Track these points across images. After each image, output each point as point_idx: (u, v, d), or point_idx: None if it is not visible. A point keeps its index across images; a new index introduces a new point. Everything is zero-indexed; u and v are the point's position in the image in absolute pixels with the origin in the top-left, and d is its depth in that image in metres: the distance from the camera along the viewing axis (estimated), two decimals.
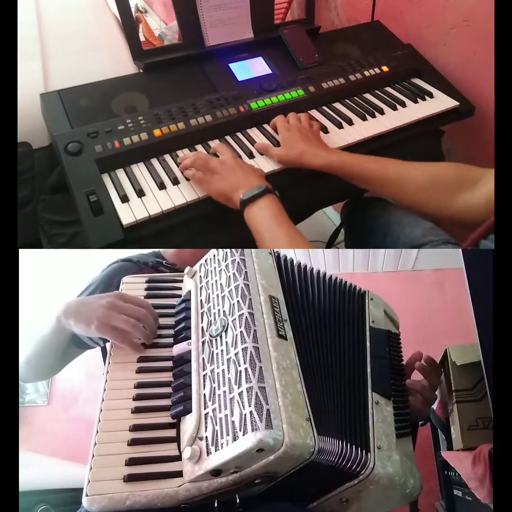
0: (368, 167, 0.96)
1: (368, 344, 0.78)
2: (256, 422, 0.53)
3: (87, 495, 0.55)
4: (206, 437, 0.57)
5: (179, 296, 0.82)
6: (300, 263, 0.82)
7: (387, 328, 0.84)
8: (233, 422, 0.55)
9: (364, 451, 0.61)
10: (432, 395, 0.79)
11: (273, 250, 0.80)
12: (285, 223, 0.84)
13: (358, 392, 0.70)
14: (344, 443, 0.60)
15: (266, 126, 1.09)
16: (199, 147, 1.01)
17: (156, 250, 1.04)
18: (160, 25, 3.49)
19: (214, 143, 1.03)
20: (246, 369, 0.57)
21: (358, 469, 0.60)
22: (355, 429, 0.64)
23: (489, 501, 0.97)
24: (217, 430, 0.56)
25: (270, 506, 0.61)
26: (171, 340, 0.74)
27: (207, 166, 0.91)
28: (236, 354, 0.60)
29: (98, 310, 0.69)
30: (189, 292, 0.79)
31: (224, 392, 0.58)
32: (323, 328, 0.75)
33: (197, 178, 0.92)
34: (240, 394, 0.56)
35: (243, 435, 0.53)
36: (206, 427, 0.58)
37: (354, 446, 0.61)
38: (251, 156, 1.01)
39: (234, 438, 0.54)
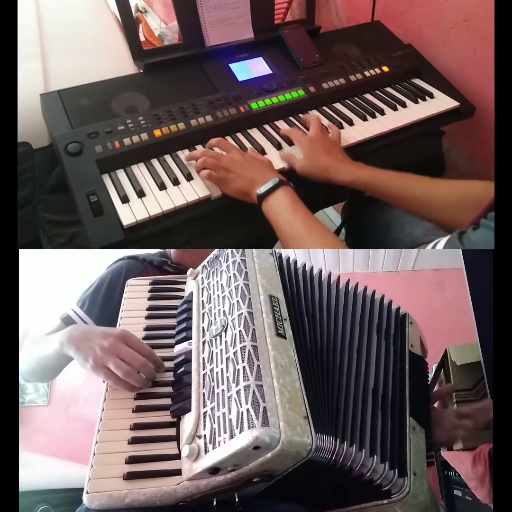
0: (395, 185, 0.95)
1: (407, 367, 0.77)
2: (252, 420, 0.53)
3: (87, 493, 0.56)
4: (205, 435, 0.58)
5: (182, 297, 0.83)
6: (305, 265, 0.82)
7: (424, 357, 0.84)
8: (230, 420, 0.55)
9: (398, 472, 0.61)
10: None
11: (274, 251, 0.80)
12: (302, 211, 0.85)
13: (394, 412, 0.69)
14: (376, 457, 0.60)
15: (266, 126, 1.09)
16: (200, 148, 1.01)
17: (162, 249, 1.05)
18: (160, 25, 3.49)
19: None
20: (244, 367, 0.58)
21: (391, 490, 0.60)
22: (391, 449, 0.63)
23: (489, 501, 0.97)
24: (215, 428, 0.57)
25: (276, 506, 0.62)
26: (172, 340, 0.75)
27: (219, 164, 0.92)
28: (234, 353, 0.60)
29: (97, 349, 0.67)
30: (191, 293, 0.80)
31: (223, 390, 0.59)
32: (332, 329, 0.74)
33: (214, 178, 0.93)
34: (238, 392, 0.56)
35: (240, 433, 0.53)
36: (204, 426, 0.59)
37: (392, 467, 0.60)
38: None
39: (231, 436, 0.54)
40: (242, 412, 0.54)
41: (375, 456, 0.60)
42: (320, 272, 0.83)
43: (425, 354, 0.87)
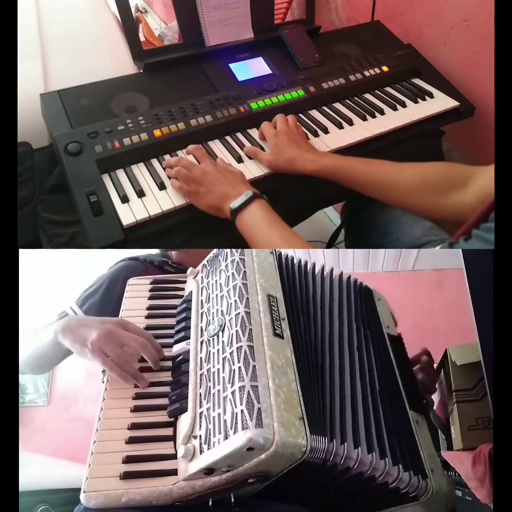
0: (359, 171, 0.95)
1: (391, 354, 0.77)
2: (246, 421, 0.53)
3: (84, 492, 0.56)
4: (200, 435, 0.58)
5: (182, 296, 0.83)
6: (300, 260, 0.82)
7: (397, 332, 0.84)
8: (225, 420, 0.55)
9: (421, 477, 0.62)
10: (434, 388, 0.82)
11: (274, 250, 0.80)
12: (277, 225, 0.83)
13: (397, 409, 0.69)
14: (388, 460, 0.61)
15: None
16: None
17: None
18: (160, 25, 3.49)
19: (213, 144, 1.03)
20: (239, 367, 0.58)
21: (418, 494, 0.62)
22: (409, 455, 0.64)
23: (489, 501, 0.96)
24: (210, 429, 0.57)
25: (277, 507, 0.62)
26: (171, 340, 0.75)
27: (190, 177, 0.90)
28: (231, 353, 0.61)
29: (95, 336, 0.67)
30: (191, 292, 0.80)
31: (218, 390, 0.59)
32: (327, 328, 0.74)
33: (185, 191, 0.90)
34: (233, 392, 0.56)
35: (234, 433, 0.53)
36: (200, 426, 0.59)
37: (410, 471, 0.61)
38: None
39: (226, 437, 0.54)
40: (236, 413, 0.54)
41: (400, 465, 0.61)
42: (314, 266, 0.83)
43: (396, 323, 0.87)
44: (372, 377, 0.71)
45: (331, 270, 0.84)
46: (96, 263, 1.03)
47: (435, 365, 1.34)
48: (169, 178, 0.94)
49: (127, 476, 0.57)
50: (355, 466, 0.59)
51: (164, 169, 0.96)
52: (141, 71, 1.12)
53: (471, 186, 0.86)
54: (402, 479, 0.61)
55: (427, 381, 0.80)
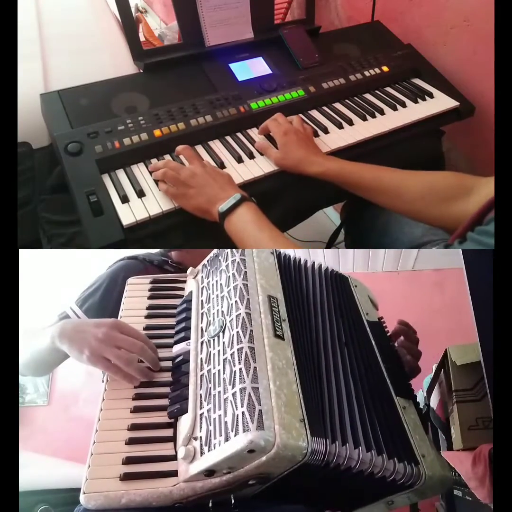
0: (365, 176, 0.95)
1: (373, 342, 0.77)
2: (247, 423, 0.53)
3: (84, 493, 0.56)
4: (201, 437, 0.58)
5: (182, 296, 0.83)
6: (296, 258, 0.82)
7: (377, 317, 0.84)
8: (226, 422, 0.55)
9: (413, 464, 0.62)
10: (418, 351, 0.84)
11: (274, 250, 0.80)
12: (267, 228, 0.83)
13: (383, 399, 0.70)
14: (385, 456, 0.61)
15: None
16: (199, 148, 1.02)
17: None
18: (160, 25, 3.50)
19: (213, 144, 1.04)
20: (240, 369, 0.57)
21: (413, 482, 0.62)
22: (401, 446, 0.64)
23: (489, 501, 0.97)
24: (210, 430, 0.57)
25: (278, 508, 0.62)
26: (171, 340, 0.75)
27: (178, 179, 0.89)
28: (231, 355, 0.60)
29: (92, 340, 0.67)
30: (191, 292, 0.80)
31: (219, 392, 0.59)
32: (320, 326, 0.74)
33: (171, 193, 0.90)
34: (234, 394, 0.56)
35: (235, 435, 0.53)
36: (201, 427, 0.59)
37: (404, 462, 0.62)
38: (251, 156, 1.01)
39: (226, 439, 0.54)
40: (237, 415, 0.54)
41: (395, 459, 0.61)
42: (306, 264, 0.83)
43: (377, 306, 0.87)
44: (361, 373, 0.71)
45: (313, 264, 0.84)
46: (96, 263, 1.03)
47: (434, 365, 1.35)
48: (157, 182, 0.93)
49: (127, 477, 0.57)
50: (356, 466, 0.59)
51: (150, 173, 0.94)
52: (141, 71, 1.12)
53: (475, 196, 0.86)
54: (398, 471, 0.61)
55: (410, 345, 0.81)
